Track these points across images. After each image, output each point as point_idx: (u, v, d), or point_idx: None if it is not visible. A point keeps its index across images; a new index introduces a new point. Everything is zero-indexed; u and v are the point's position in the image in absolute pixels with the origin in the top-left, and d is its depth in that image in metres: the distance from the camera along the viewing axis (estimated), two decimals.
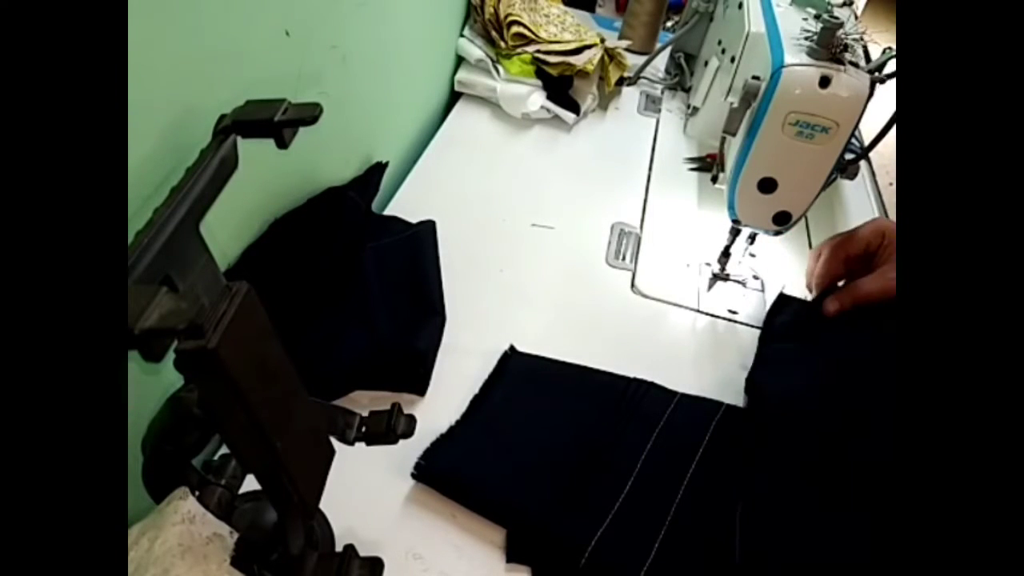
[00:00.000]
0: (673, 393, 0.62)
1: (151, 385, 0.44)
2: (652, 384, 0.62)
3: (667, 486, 0.55)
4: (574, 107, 0.93)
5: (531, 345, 0.64)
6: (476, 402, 0.59)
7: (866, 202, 0.95)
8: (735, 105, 0.62)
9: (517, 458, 0.54)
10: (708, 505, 0.54)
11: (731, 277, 0.77)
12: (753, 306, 0.75)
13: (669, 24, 1.23)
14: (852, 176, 0.68)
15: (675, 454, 0.57)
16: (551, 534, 0.50)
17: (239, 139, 0.38)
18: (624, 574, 0.49)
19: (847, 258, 0.66)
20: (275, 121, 0.37)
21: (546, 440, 0.56)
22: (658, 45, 1.10)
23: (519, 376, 0.61)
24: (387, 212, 0.75)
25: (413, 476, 0.52)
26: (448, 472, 0.52)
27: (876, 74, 0.59)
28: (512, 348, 0.63)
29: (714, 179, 0.75)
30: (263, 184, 0.55)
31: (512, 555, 0.50)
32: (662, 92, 1.08)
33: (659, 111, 1.04)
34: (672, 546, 0.50)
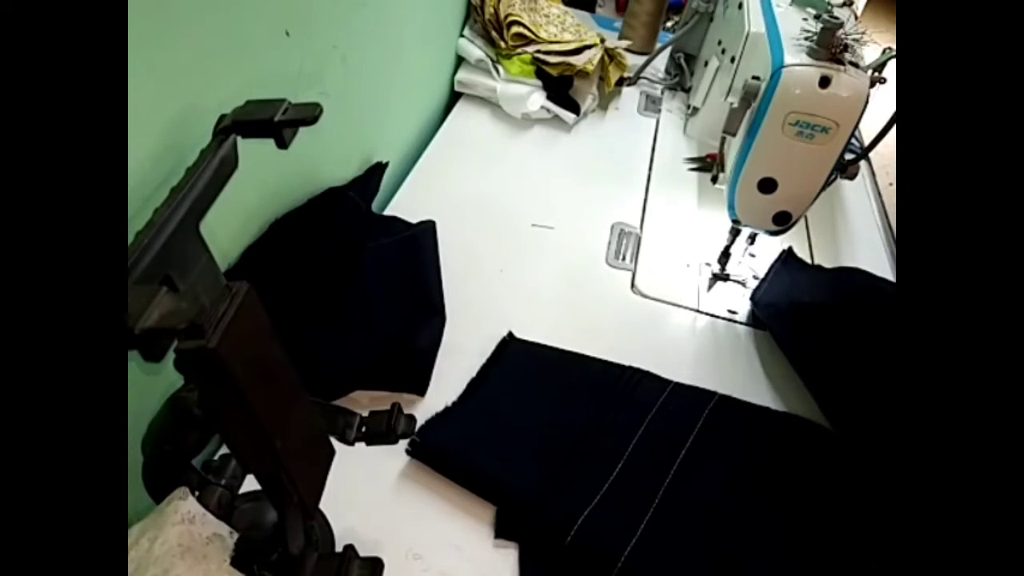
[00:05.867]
0: (667, 381, 0.62)
1: (151, 385, 0.44)
2: (647, 372, 0.63)
3: (656, 470, 0.55)
4: (574, 107, 0.93)
5: None
6: (473, 384, 0.60)
7: (866, 202, 0.95)
8: (735, 105, 0.62)
9: (510, 438, 0.55)
10: (696, 491, 0.54)
11: (731, 277, 0.77)
12: None
13: (669, 24, 1.23)
14: (852, 176, 0.68)
15: (666, 440, 0.57)
16: (539, 512, 0.50)
17: (239, 139, 0.38)
18: (608, 554, 0.49)
19: None
20: (275, 121, 0.37)
21: (539, 422, 0.57)
22: (658, 45, 1.10)
23: (516, 361, 0.62)
24: (387, 212, 0.75)
25: (408, 452, 0.53)
26: (441, 449, 0.53)
27: (875, 74, 0.59)
28: (510, 334, 0.64)
29: (714, 179, 0.75)
30: (263, 184, 0.55)
31: (500, 531, 0.50)
32: (662, 92, 1.08)
33: (659, 111, 1.04)
34: (658, 529, 0.51)
